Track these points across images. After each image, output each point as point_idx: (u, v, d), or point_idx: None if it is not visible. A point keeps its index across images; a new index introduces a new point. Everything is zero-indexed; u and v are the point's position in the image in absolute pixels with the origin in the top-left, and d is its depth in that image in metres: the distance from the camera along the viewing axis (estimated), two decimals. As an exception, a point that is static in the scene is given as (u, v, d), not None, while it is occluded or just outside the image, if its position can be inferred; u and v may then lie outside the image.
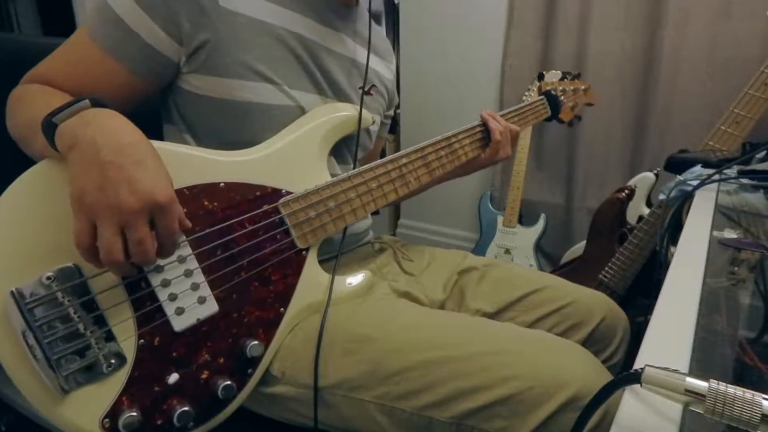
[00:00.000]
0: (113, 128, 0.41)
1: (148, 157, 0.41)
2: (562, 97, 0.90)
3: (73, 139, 0.39)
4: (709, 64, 1.36)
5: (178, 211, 0.42)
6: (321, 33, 0.62)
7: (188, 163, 0.49)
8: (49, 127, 0.41)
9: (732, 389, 0.22)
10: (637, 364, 0.27)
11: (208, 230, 0.49)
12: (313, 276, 0.57)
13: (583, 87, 0.96)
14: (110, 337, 0.44)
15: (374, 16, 0.81)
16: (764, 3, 1.21)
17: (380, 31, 0.81)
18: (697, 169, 0.77)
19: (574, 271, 1.36)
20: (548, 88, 0.89)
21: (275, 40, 0.57)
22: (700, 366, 0.29)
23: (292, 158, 0.57)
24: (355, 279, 0.61)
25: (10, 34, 1.39)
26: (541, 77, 0.93)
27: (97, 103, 0.43)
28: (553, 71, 0.94)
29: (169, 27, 0.51)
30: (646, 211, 1.24)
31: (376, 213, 0.93)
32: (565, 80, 0.94)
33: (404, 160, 0.64)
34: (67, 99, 0.44)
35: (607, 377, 0.48)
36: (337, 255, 0.61)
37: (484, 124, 0.75)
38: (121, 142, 0.40)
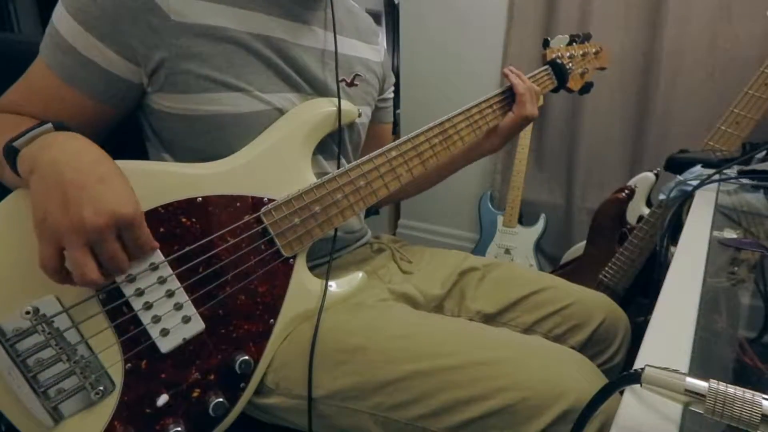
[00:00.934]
0: (73, 149, 0.41)
1: (111, 175, 0.40)
2: (570, 64, 0.82)
3: (33, 162, 0.39)
4: (709, 64, 1.36)
5: (146, 227, 0.42)
6: (289, 29, 0.59)
7: (162, 180, 0.48)
8: (10, 152, 0.41)
9: (732, 389, 0.22)
10: (637, 364, 0.27)
11: (187, 248, 0.47)
12: (302, 284, 0.55)
13: (593, 50, 0.87)
14: (96, 364, 0.43)
15: (374, 16, 0.79)
16: (764, 3, 1.21)
17: (358, 12, 0.74)
18: (697, 169, 0.77)
19: (574, 271, 1.36)
20: (554, 56, 0.82)
21: (238, 45, 0.53)
22: (700, 366, 0.29)
23: (273, 164, 0.54)
24: (348, 282, 0.59)
25: (10, 34, 1.39)
26: (546, 44, 0.83)
27: (60, 127, 0.43)
28: (560, 36, 0.84)
29: (122, 51, 0.49)
30: (646, 211, 1.24)
31: (375, 213, 0.92)
32: (573, 44, 0.84)
33: (394, 153, 0.60)
34: (32, 124, 0.44)
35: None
36: (329, 259, 0.60)
37: (484, 101, 0.71)
38: (82, 162, 0.39)
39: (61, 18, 0.48)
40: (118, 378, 0.44)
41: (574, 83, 0.86)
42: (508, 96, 0.75)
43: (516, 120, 0.72)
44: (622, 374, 0.26)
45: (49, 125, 0.43)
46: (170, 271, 0.46)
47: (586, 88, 0.89)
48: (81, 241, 0.37)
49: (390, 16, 2.15)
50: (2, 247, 0.41)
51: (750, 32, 1.29)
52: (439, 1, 1.82)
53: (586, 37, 0.87)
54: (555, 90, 0.84)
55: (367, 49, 0.73)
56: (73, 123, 0.50)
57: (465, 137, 0.68)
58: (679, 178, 0.75)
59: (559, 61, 0.81)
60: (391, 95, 0.83)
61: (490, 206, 1.76)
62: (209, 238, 0.49)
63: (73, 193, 0.37)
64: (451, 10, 1.80)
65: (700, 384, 0.23)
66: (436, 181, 0.83)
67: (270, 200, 0.53)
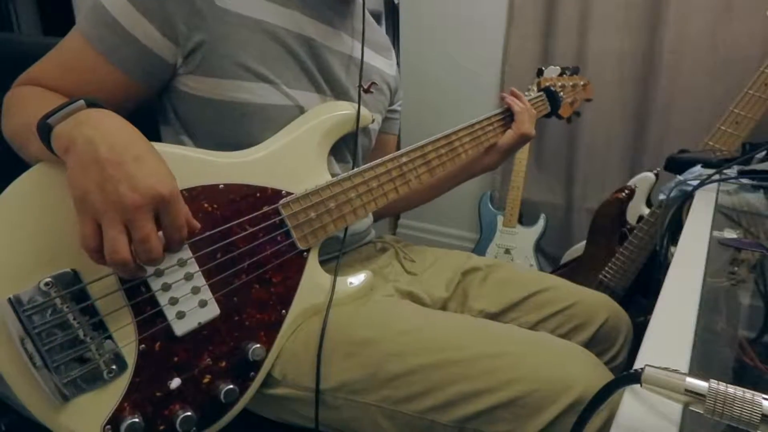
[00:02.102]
0: (109, 127, 0.40)
1: (147, 153, 0.40)
2: (562, 93, 0.89)
3: (69, 140, 0.39)
4: (709, 64, 1.36)
5: (183, 206, 0.41)
6: (319, 31, 0.61)
7: (187, 164, 0.48)
8: (45, 129, 0.41)
9: (732, 389, 0.22)
10: (637, 364, 0.27)
11: (208, 233, 0.48)
12: (314, 277, 0.56)
13: (582, 83, 0.95)
14: (110, 342, 0.43)
15: (374, 16, 0.81)
16: (764, 3, 1.21)
17: (378, 27, 0.79)
18: (697, 169, 0.77)
19: (574, 271, 1.36)
20: (548, 84, 0.88)
21: (272, 39, 0.56)
22: (700, 366, 0.29)
23: (292, 158, 0.56)
24: (357, 279, 0.60)
25: (10, 34, 1.39)
26: (540, 73, 0.91)
27: (92, 104, 0.43)
28: (552, 66, 0.93)
29: (165, 28, 0.50)
30: (646, 211, 1.24)
31: (376, 213, 0.93)
32: (564, 76, 0.93)
33: (404, 159, 0.63)
34: (61, 101, 0.44)
35: (610, 379, 0.48)
36: (338, 255, 0.61)
37: (485, 119, 0.74)
38: (118, 140, 0.39)
39: None
40: (131, 358, 0.44)
41: (564, 111, 0.92)
42: (507, 116, 0.78)
43: (515, 137, 0.76)
44: (622, 374, 0.26)
45: (81, 102, 0.42)
46: (190, 254, 0.47)
47: (574, 117, 0.96)
48: (117, 217, 0.37)
49: (390, 16, 2.15)
50: (24, 219, 0.41)
51: (750, 32, 1.28)
52: (439, 1, 1.82)
53: (575, 71, 0.96)
54: (547, 116, 0.89)
55: (383, 62, 0.76)
56: (102, 98, 0.50)
57: (468, 150, 0.72)
58: (679, 178, 0.75)
59: (552, 89, 0.87)
60: (399, 108, 0.86)
61: (490, 206, 1.76)
62: (229, 225, 0.50)
63: (110, 171, 0.37)
64: (451, 10, 1.80)
65: (700, 384, 0.23)
66: (435, 195, 0.86)
67: (288, 193, 0.54)
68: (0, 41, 0.65)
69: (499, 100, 0.79)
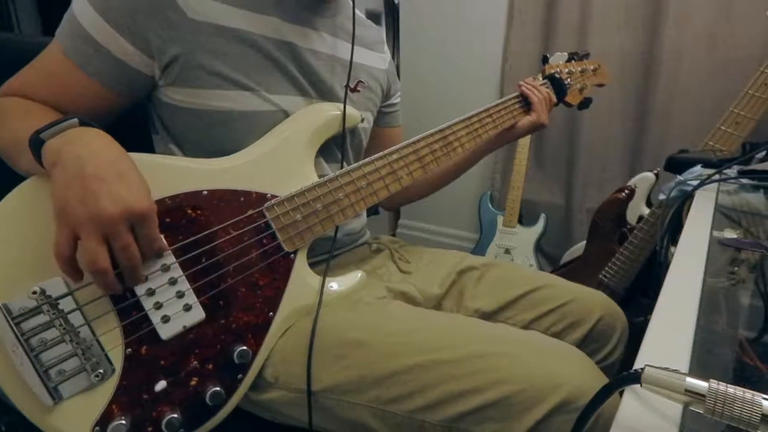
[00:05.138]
0: (96, 146, 0.42)
1: (129, 172, 0.42)
2: (569, 80, 0.85)
3: (57, 155, 0.41)
4: (709, 64, 1.36)
5: (156, 222, 0.43)
6: (298, 33, 0.61)
7: (170, 172, 0.49)
8: (36, 143, 0.42)
9: (732, 389, 0.22)
10: (637, 364, 0.27)
11: (191, 238, 0.48)
12: (302, 279, 0.56)
13: (591, 67, 0.91)
14: (97, 347, 0.44)
15: (374, 16, 0.80)
16: (764, 3, 1.21)
17: (365, 21, 0.76)
18: (697, 169, 0.77)
19: (574, 271, 1.36)
20: (552, 71, 0.84)
21: (249, 46, 0.55)
22: (700, 366, 0.29)
23: (278, 162, 0.56)
24: (347, 280, 0.60)
25: (10, 34, 1.39)
26: (545, 60, 0.87)
27: (84, 123, 0.45)
28: (559, 53, 0.88)
29: (137, 42, 0.51)
30: (646, 211, 1.24)
31: (375, 213, 0.92)
32: (572, 61, 0.88)
33: (395, 156, 0.61)
34: (49, 115, 0.45)
35: (601, 378, 0.48)
36: (328, 257, 0.61)
37: (483, 111, 0.72)
38: (103, 158, 0.41)
39: (80, 5, 0.50)
40: (118, 362, 0.45)
41: (573, 98, 0.88)
42: (509, 106, 0.77)
43: (532, 125, 0.77)
44: (622, 374, 0.26)
45: (75, 120, 0.44)
46: (174, 260, 0.47)
47: (585, 103, 0.91)
48: (97, 230, 0.39)
49: (390, 16, 2.15)
50: (15, 229, 0.42)
51: (750, 32, 1.29)
52: (439, 1, 1.82)
53: (585, 55, 0.91)
54: (554, 104, 0.86)
55: (372, 57, 0.74)
56: (82, 107, 0.52)
57: (465, 144, 0.70)
58: (679, 178, 0.75)
59: (557, 75, 0.84)
60: (398, 100, 0.84)
61: (490, 206, 1.76)
62: (213, 230, 0.50)
63: (92, 186, 0.39)
64: (451, 10, 1.80)
65: (700, 384, 0.23)
66: (453, 177, 0.85)
67: (273, 196, 0.54)
68: (0, 41, 0.65)
69: (516, 88, 0.78)
